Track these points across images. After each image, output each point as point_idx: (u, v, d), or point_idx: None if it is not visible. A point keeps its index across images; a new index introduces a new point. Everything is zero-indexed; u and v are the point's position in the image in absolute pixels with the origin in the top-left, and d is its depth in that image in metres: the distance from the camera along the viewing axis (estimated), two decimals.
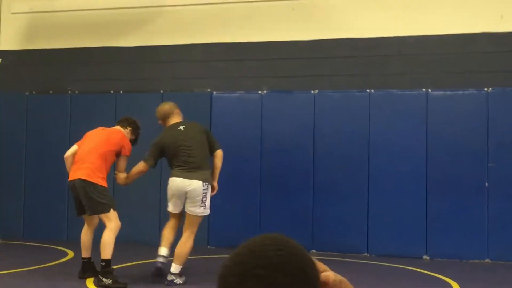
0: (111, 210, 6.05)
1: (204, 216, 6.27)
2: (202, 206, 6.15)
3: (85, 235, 6.34)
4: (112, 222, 6.02)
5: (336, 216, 8.25)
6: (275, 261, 1.11)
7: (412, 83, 8.22)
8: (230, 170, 8.63)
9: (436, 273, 7.08)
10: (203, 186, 6.15)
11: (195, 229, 6.18)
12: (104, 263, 5.92)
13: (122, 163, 6.42)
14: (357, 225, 8.18)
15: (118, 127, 6.60)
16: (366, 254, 8.17)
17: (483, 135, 7.86)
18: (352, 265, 7.58)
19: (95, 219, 6.32)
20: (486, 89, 7.95)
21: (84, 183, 6.03)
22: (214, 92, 8.85)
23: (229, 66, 8.96)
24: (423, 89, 8.15)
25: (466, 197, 7.88)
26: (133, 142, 6.63)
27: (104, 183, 6.11)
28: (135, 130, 6.71)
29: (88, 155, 6.17)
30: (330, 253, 8.16)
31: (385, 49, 8.39)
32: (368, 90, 8.31)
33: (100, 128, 6.57)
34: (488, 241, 7.81)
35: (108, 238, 5.93)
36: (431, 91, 8.11)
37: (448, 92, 8.09)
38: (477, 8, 8.12)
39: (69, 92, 9.36)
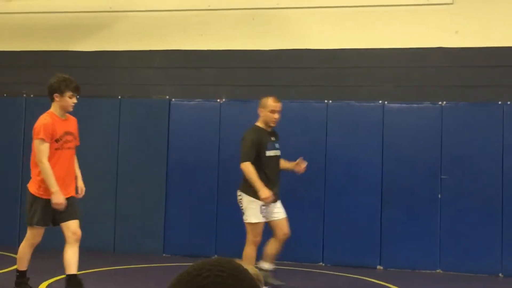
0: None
1: (253, 223, 6.36)
2: (244, 213, 6.41)
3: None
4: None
5: (292, 225, 8.28)
6: (214, 281, 1.12)
7: (369, 95, 8.35)
8: (188, 178, 8.62)
9: (389, 283, 7.19)
10: (238, 194, 6.50)
11: (249, 237, 6.35)
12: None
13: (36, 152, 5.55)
14: (312, 235, 8.24)
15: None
16: (321, 263, 8.23)
17: (437, 148, 8.02)
18: (307, 274, 7.63)
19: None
20: (440, 102, 8.13)
21: None
22: (173, 99, 8.82)
23: (188, 73, 8.95)
24: (380, 101, 8.28)
25: (420, 208, 8.02)
26: (76, 93, 5.67)
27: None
28: (56, 87, 5.61)
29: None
30: (285, 262, 8.18)
31: (343, 61, 8.50)
32: (326, 101, 8.40)
33: None
34: (440, 252, 7.95)
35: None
36: (387, 103, 8.25)
37: (404, 105, 8.23)
38: (432, 23, 8.31)
39: (24, 95, 9.20)
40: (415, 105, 8.23)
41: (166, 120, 8.74)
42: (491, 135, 7.94)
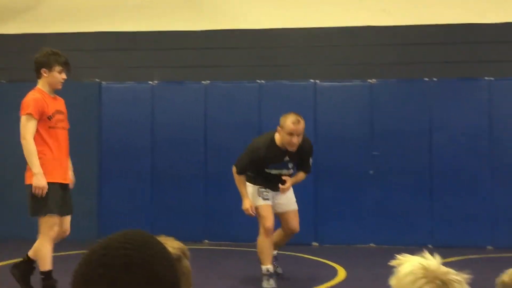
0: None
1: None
2: None
3: None
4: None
5: (229, 206, 8.31)
6: (120, 260, 1.06)
7: (301, 74, 8.41)
8: (121, 161, 8.49)
9: (325, 259, 7.30)
10: None
11: (259, 226, 5.89)
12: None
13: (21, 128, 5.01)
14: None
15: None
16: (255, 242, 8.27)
17: (368, 125, 8.17)
18: (242, 253, 7.67)
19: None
20: (370, 80, 8.27)
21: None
22: (103, 82, 8.65)
23: (119, 55, 8.79)
24: (311, 80, 8.36)
25: (352, 185, 8.17)
26: (66, 70, 5.19)
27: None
28: (43, 61, 5.14)
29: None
30: (223, 242, 8.21)
31: (274, 41, 8.52)
32: (258, 81, 8.41)
33: None
34: (372, 226, 8.13)
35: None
36: (319, 82, 8.33)
37: (335, 83, 8.33)
38: (361, 2, 8.42)
39: None
40: (345, 83, 8.34)
41: (97, 104, 8.57)
42: (419, 112, 8.14)
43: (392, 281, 1.61)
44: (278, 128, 5.59)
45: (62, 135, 5.20)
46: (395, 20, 8.33)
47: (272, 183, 5.75)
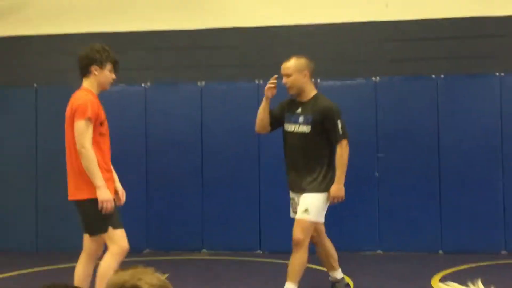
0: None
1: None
2: None
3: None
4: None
5: (227, 212, 7.93)
6: None
7: None
8: (115, 167, 8.08)
9: None
10: None
11: None
12: None
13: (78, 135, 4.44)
14: (249, 222, 7.89)
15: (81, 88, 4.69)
16: (259, 251, 7.91)
17: (372, 125, 7.79)
18: (243, 264, 7.32)
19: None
20: (374, 78, 7.88)
21: None
22: None
23: None
24: (312, 79, 7.94)
25: (357, 188, 7.78)
26: (115, 69, 4.73)
27: None
28: (94, 57, 4.63)
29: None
30: (222, 251, 7.83)
31: (273, 39, 8.15)
32: (256, 81, 8.03)
33: None
34: (379, 232, 7.75)
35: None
36: (320, 81, 7.95)
37: (338, 82, 7.95)
38: None
39: None
40: (348, 81, 7.95)
41: None
42: (426, 110, 7.75)
43: None
44: None
45: (108, 143, 4.69)
46: (399, 14, 7.96)
47: (293, 155, 5.27)
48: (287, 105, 5.38)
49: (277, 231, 7.71)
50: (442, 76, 7.78)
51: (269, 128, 5.50)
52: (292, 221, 5.78)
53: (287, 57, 8.07)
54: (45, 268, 7.10)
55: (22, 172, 8.14)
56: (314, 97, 5.33)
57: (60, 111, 8.11)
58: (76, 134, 4.41)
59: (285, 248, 7.72)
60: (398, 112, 7.78)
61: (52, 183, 8.02)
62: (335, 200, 5.28)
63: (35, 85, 8.29)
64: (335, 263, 5.63)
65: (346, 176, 7.68)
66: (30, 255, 7.82)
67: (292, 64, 5.31)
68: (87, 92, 4.58)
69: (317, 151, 5.20)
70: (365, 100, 7.84)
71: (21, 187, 8.12)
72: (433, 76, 7.79)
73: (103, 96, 7.86)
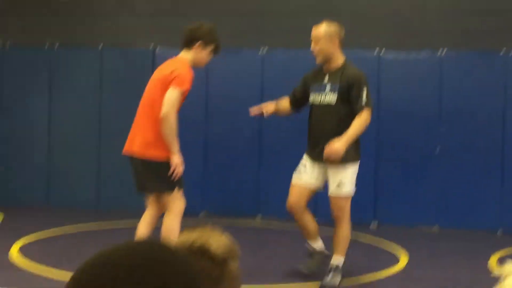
0: None
1: None
2: None
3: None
4: None
5: (283, 181, 7.93)
6: (120, 285, 0.75)
7: (363, 43, 7.86)
8: (182, 130, 8.20)
9: (384, 240, 6.93)
10: None
11: None
12: None
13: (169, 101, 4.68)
14: None
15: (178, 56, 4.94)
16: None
17: (435, 99, 7.61)
18: (294, 233, 7.34)
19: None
20: (439, 51, 7.68)
21: None
22: (158, 48, 8.31)
23: (174, 20, 8.42)
24: (376, 50, 7.82)
25: (417, 163, 7.68)
26: (216, 52, 4.95)
27: None
28: (203, 34, 4.83)
29: None
30: (276, 219, 7.87)
31: (335, 7, 8.00)
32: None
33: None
34: (437, 207, 7.64)
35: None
36: (383, 54, 7.80)
37: (401, 55, 7.78)
38: None
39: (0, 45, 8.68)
40: (412, 54, 7.77)
41: (150, 72, 8.20)
42: (493, 86, 7.52)
43: None
44: None
45: None
46: None
47: (318, 128, 5.16)
48: (312, 77, 5.28)
49: None
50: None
51: (293, 111, 5.48)
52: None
53: (349, 26, 7.98)
54: (107, 227, 7.31)
55: (85, 133, 8.33)
56: (343, 66, 5.19)
57: (124, 73, 8.30)
58: (167, 100, 4.61)
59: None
60: (463, 87, 7.57)
61: (115, 144, 8.19)
62: (328, 154, 4.99)
63: (100, 46, 8.42)
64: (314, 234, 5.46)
65: (406, 149, 7.64)
66: (92, 213, 8.04)
67: (322, 30, 5.15)
68: (187, 63, 4.76)
69: (346, 121, 5.08)
70: (429, 73, 7.66)
71: (84, 148, 8.31)
72: (503, 51, 7.52)
73: (168, 58, 7.89)
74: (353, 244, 6.88)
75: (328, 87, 5.12)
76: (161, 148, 4.70)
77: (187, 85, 4.66)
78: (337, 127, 5.05)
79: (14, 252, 5.96)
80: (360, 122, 5.05)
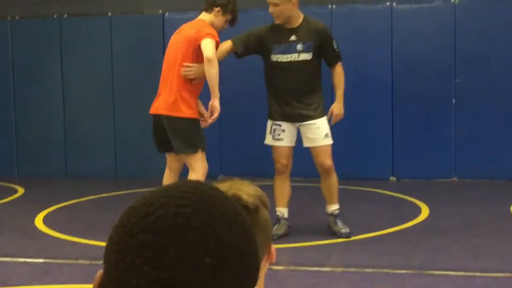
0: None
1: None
2: None
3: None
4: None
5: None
6: (170, 222, 0.73)
7: None
8: None
9: (403, 194, 6.92)
10: None
11: None
12: None
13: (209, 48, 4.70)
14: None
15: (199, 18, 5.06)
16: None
17: (450, 50, 7.52)
18: (312, 190, 7.36)
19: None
20: (453, 0, 7.56)
21: None
22: (166, 13, 8.25)
23: None
24: (387, 3, 7.71)
25: (433, 115, 7.62)
26: (231, 22, 5.06)
27: None
28: (224, 2, 4.97)
29: None
30: (295, 178, 7.86)
31: None
32: (329, 6, 7.84)
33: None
34: (455, 159, 7.61)
35: None
36: (396, 5, 7.69)
37: (414, 5, 7.67)
38: None
39: (9, 17, 8.65)
40: (425, 4, 7.66)
41: (161, 38, 8.19)
42: (508, 35, 7.41)
43: None
44: None
45: None
46: None
47: (286, 87, 5.07)
48: (272, 38, 5.08)
49: (349, 155, 7.67)
50: None
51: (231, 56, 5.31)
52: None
53: None
54: (125, 192, 7.36)
55: (99, 101, 8.33)
56: (304, 21, 5.12)
57: (134, 40, 8.25)
58: (206, 46, 4.64)
59: (359, 174, 7.69)
60: (478, 37, 7.46)
61: (129, 111, 8.22)
62: (337, 119, 5.25)
63: (109, 14, 8.37)
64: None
65: (422, 101, 7.57)
66: (110, 182, 8.07)
67: None
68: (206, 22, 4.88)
69: (316, 77, 5.17)
70: (443, 24, 7.55)
71: (98, 116, 8.33)
72: None
73: (178, 24, 7.80)
74: (374, 197, 6.93)
75: (299, 46, 5.07)
76: (186, 107, 4.80)
77: (217, 39, 4.75)
78: (306, 84, 5.11)
79: (39, 221, 6.03)
80: (342, 78, 5.24)
